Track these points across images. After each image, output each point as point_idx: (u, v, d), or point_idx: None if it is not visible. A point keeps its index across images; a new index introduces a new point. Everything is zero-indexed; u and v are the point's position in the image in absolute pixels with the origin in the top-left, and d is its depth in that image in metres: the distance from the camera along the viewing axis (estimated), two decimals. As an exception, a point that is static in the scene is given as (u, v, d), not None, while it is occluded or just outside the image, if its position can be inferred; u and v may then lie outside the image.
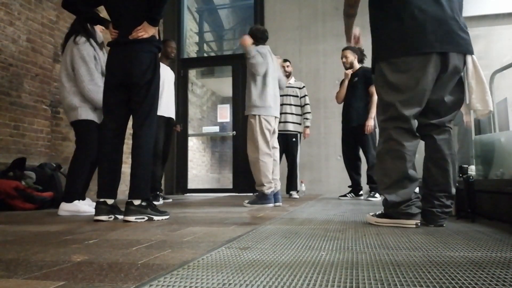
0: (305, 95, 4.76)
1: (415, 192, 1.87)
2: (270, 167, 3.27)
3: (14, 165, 3.34)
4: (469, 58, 1.84)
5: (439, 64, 1.79)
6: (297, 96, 4.71)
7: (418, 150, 1.94)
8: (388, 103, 1.87)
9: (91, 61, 2.76)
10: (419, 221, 1.84)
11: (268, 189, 3.25)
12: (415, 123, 1.89)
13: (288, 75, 4.69)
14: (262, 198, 3.27)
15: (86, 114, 2.77)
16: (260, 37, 3.41)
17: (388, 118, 1.88)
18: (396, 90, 1.84)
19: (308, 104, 4.76)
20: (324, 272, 0.97)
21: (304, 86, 4.79)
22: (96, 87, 2.72)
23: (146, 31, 2.28)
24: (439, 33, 1.77)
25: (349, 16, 2.09)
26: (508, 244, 1.34)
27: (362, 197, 4.32)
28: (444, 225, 1.86)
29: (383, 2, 1.89)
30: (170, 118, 4.13)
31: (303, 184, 5.08)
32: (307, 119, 4.72)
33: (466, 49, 1.82)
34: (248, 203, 3.32)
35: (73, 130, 2.90)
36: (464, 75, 1.87)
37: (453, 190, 1.90)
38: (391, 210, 1.87)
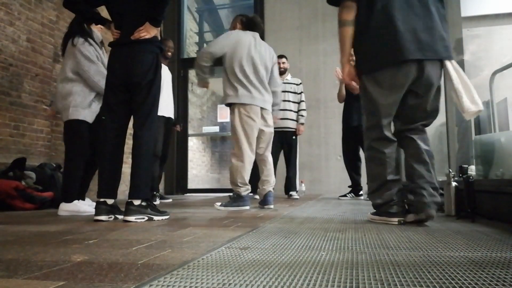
0: (302, 92, 4.69)
1: (399, 194, 2.00)
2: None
3: (14, 165, 3.34)
4: (448, 64, 1.91)
5: (414, 72, 1.89)
6: (295, 93, 4.63)
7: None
8: (370, 113, 2.03)
9: (93, 56, 2.76)
10: (402, 219, 1.94)
11: (244, 191, 3.02)
12: (390, 129, 2.03)
13: (283, 72, 4.65)
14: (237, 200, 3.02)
15: (77, 114, 2.76)
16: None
17: (370, 126, 2.05)
18: (375, 102, 1.98)
19: (304, 101, 4.69)
20: (324, 272, 0.97)
21: (301, 83, 4.72)
22: (101, 77, 2.72)
23: (148, 32, 2.28)
24: (415, 42, 1.86)
25: (346, 24, 2.01)
26: (508, 244, 1.34)
27: (362, 197, 4.32)
28: (434, 215, 1.90)
29: (366, 17, 1.95)
30: (169, 118, 4.13)
31: (303, 184, 5.07)
32: (302, 116, 4.65)
33: (444, 56, 1.91)
34: (221, 205, 3.01)
35: (64, 130, 2.90)
36: (445, 81, 1.97)
37: (436, 181, 1.98)
38: (377, 210, 2.07)
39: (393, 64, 1.88)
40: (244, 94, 2.99)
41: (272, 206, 3.08)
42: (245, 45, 3.02)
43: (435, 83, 1.94)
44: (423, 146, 1.99)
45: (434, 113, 2.02)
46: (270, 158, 3.22)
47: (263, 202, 3.10)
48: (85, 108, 2.78)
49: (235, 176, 2.98)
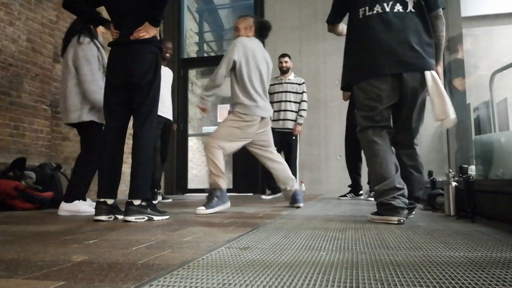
0: (304, 92, 4.61)
1: (400, 188, 2.03)
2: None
3: (14, 165, 3.34)
4: (428, 75, 2.03)
5: (396, 86, 2.05)
6: (297, 93, 4.58)
7: None
8: (361, 117, 2.19)
9: (95, 62, 2.76)
10: (403, 219, 1.96)
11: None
12: (385, 131, 2.15)
13: (286, 71, 4.62)
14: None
15: (91, 115, 2.76)
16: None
17: (362, 129, 2.19)
18: (364, 108, 2.16)
19: (305, 101, 4.61)
20: (324, 272, 0.97)
21: (304, 82, 4.65)
22: (97, 87, 2.71)
23: (147, 32, 2.28)
24: (391, 58, 2.03)
25: (338, 35, 2.49)
26: (508, 244, 1.34)
27: (362, 197, 4.31)
28: (409, 217, 2.15)
29: (351, 33, 2.21)
30: (167, 119, 4.13)
31: (303, 184, 5.07)
32: (301, 116, 4.57)
33: (421, 67, 2.03)
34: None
35: (78, 131, 2.89)
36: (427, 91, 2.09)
37: (417, 193, 2.20)
38: (378, 200, 2.07)
39: (373, 77, 2.08)
40: (252, 104, 2.94)
41: (301, 204, 3.11)
42: (253, 55, 2.96)
43: (419, 91, 2.08)
44: (408, 162, 2.19)
45: (415, 131, 2.19)
46: (278, 157, 3.15)
47: (293, 201, 3.10)
48: (94, 108, 2.78)
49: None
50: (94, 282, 0.91)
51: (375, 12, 2.09)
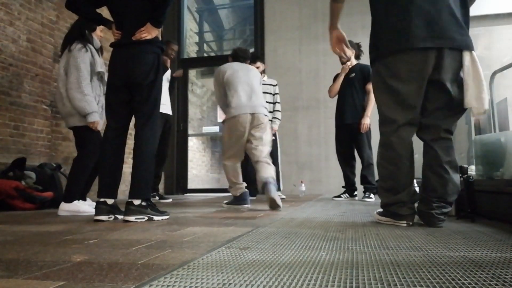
0: (277, 93, 4.55)
1: (410, 195, 1.88)
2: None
3: (14, 165, 3.34)
4: (466, 55, 1.78)
5: (433, 61, 1.77)
6: (271, 93, 4.52)
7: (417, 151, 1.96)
8: (382, 104, 1.93)
9: (85, 68, 2.76)
10: (411, 222, 1.88)
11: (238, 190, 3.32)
12: (410, 129, 1.89)
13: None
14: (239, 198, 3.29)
15: (93, 117, 2.77)
16: (241, 56, 3.52)
17: (384, 120, 1.93)
18: (391, 89, 1.85)
19: (279, 102, 4.53)
20: (324, 272, 0.97)
21: (277, 84, 4.58)
22: (81, 95, 2.73)
23: (149, 32, 2.28)
24: (431, 29, 1.75)
25: (337, 0, 2.05)
26: (508, 244, 1.34)
27: (356, 198, 4.26)
28: (443, 226, 1.84)
29: (384, 4, 1.88)
30: (167, 115, 4.11)
31: (303, 184, 5.06)
32: (276, 118, 4.47)
33: (462, 45, 1.77)
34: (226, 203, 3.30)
35: (74, 132, 2.91)
36: (462, 73, 1.82)
37: (452, 197, 1.86)
38: (385, 208, 1.97)
39: (405, 50, 1.78)
40: (232, 107, 3.20)
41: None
42: (228, 74, 3.38)
43: (453, 73, 1.80)
44: (444, 157, 1.84)
45: (458, 110, 1.85)
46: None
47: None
48: (97, 111, 2.80)
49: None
50: (94, 282, 0.91)
51: None
